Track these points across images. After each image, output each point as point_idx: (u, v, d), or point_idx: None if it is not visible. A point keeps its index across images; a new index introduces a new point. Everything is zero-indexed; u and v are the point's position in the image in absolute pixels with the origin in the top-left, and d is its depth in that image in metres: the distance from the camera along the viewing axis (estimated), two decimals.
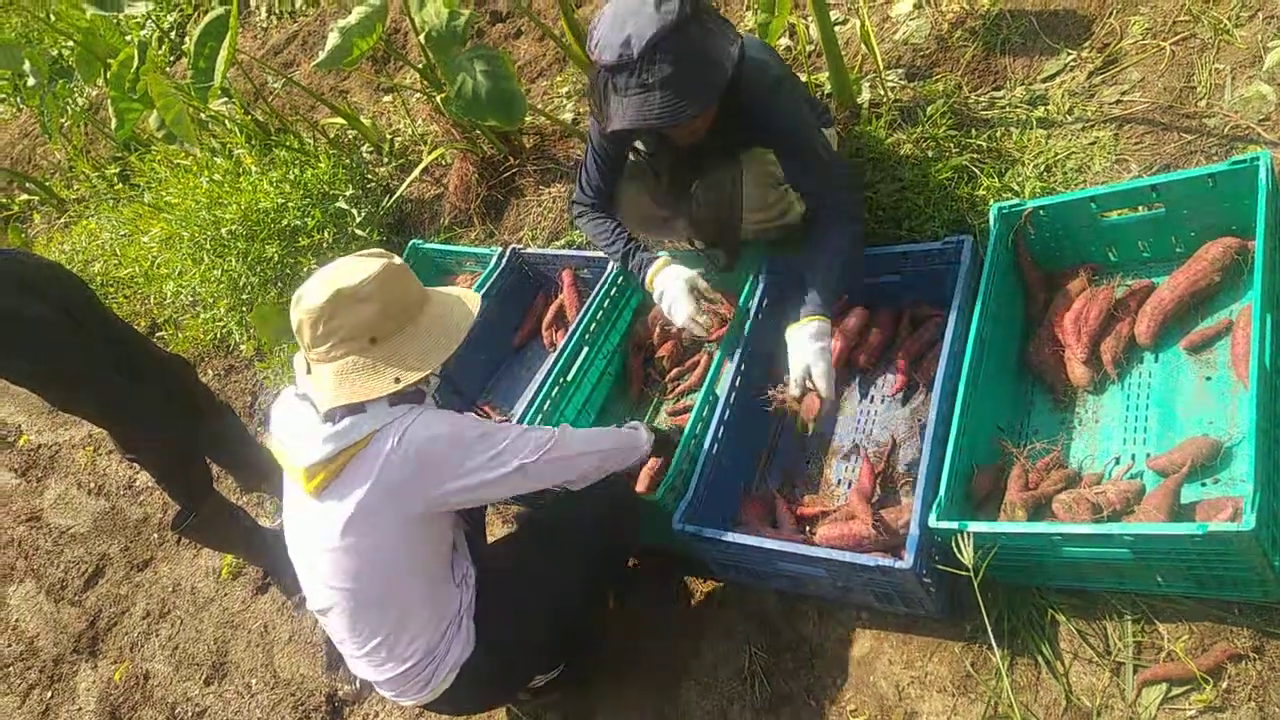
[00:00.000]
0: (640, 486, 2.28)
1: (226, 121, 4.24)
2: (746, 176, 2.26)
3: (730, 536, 1.96)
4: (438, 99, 3.24)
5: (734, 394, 2.25)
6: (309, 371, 1.81)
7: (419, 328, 1.80)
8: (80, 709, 3.28)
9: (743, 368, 2.30)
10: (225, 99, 4.07)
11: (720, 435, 2.20)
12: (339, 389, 1.72)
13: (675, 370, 2.69)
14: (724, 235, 2.37)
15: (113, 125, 3.65)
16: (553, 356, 2.59)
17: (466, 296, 1.93)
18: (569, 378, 2.59)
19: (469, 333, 1.86)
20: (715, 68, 1.91)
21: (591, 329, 2.68)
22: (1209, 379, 1.89)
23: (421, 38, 2.96)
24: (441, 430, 1.76)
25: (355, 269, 1.75)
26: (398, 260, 1.81)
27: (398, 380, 1.73)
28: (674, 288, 2.33)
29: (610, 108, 1.95)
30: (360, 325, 1.72)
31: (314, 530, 1.78)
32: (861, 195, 2.26)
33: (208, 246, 3.78)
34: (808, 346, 2.06)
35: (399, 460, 1.71)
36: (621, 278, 2.75)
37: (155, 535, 3.71)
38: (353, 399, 1.71)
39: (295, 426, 1.80)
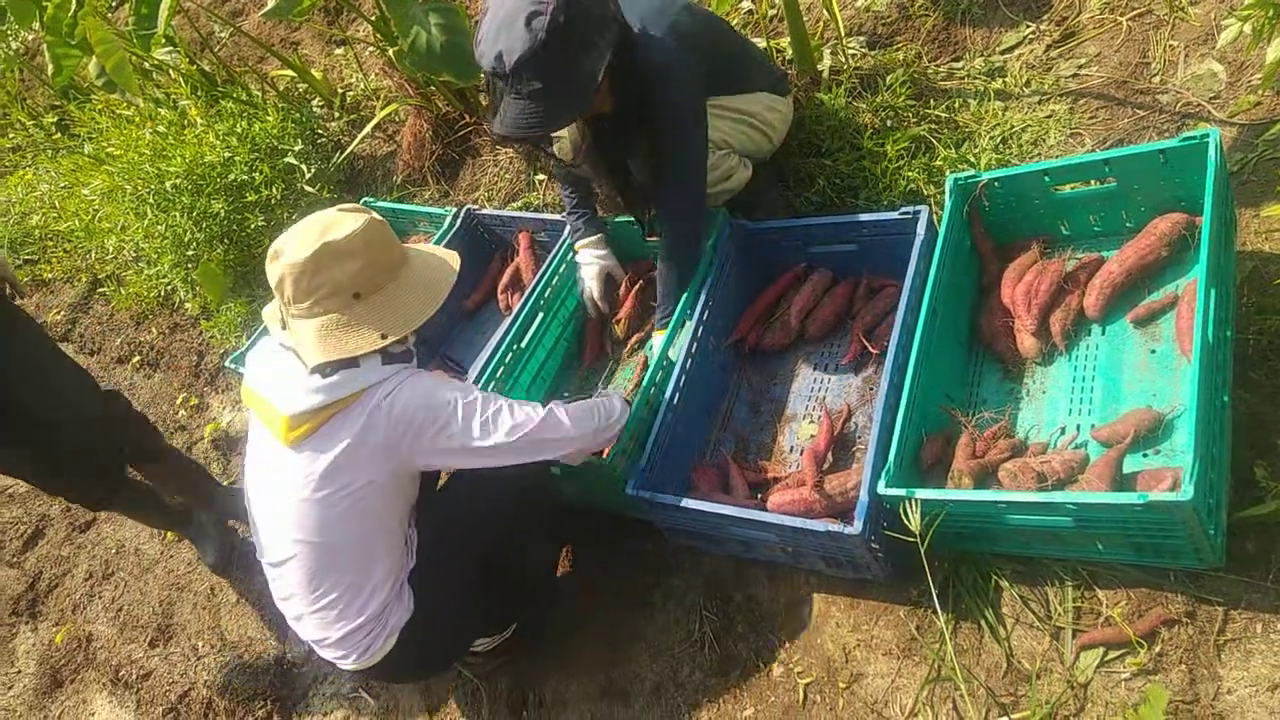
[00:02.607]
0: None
1: (171, 71, 4.09)
2: None
3: (683, 502, 1.97)
4: (390, 53, 3.16)
5: (689, 360, 2.25)
6: (284, 326, 1.78)
7: (402, 285, 1.79)
8: (20, 671, 3.22)
9: (699, 333, 2.29)
10: (169, 47, 3.91)
11: (675, 401, 2.20)
12: (323, 346, 1.70)
13: (635, 338, 2.67)
14: (646, 204, 2.43)
15: (50, 72, 3.50)
16: (508, 321, 2.56)
17: (447, 255, 1.92)
18: (524, 343, 2.57)
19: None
20: (582, 81, 1.95)
21: (548, 294, 2.66)
22: (1154, 352, 1.93)
23: None
24: (431, 393, 1.76)
25: (339, 223, 1.72)
26: (378, 216, 1.79)
27: (384, 337, 1.72)
28: (591, 269, 2.60)
29: (495, 107, 2.01)
30: (345, 281, 1.70)
31: (286, 480, 1.77)
32: (702, 223, 2.36)
33: (151, 200, 3.66)
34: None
35: (385, 418, 1.72)
36: None
37: None
38: (339, 355, 1.70)
39: (278, 375, 1.78)
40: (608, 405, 2.05)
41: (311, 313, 1.71)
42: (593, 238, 2.59)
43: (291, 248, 1.69)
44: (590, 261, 2.61)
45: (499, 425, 1.80)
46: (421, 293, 1.80)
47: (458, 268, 1.90)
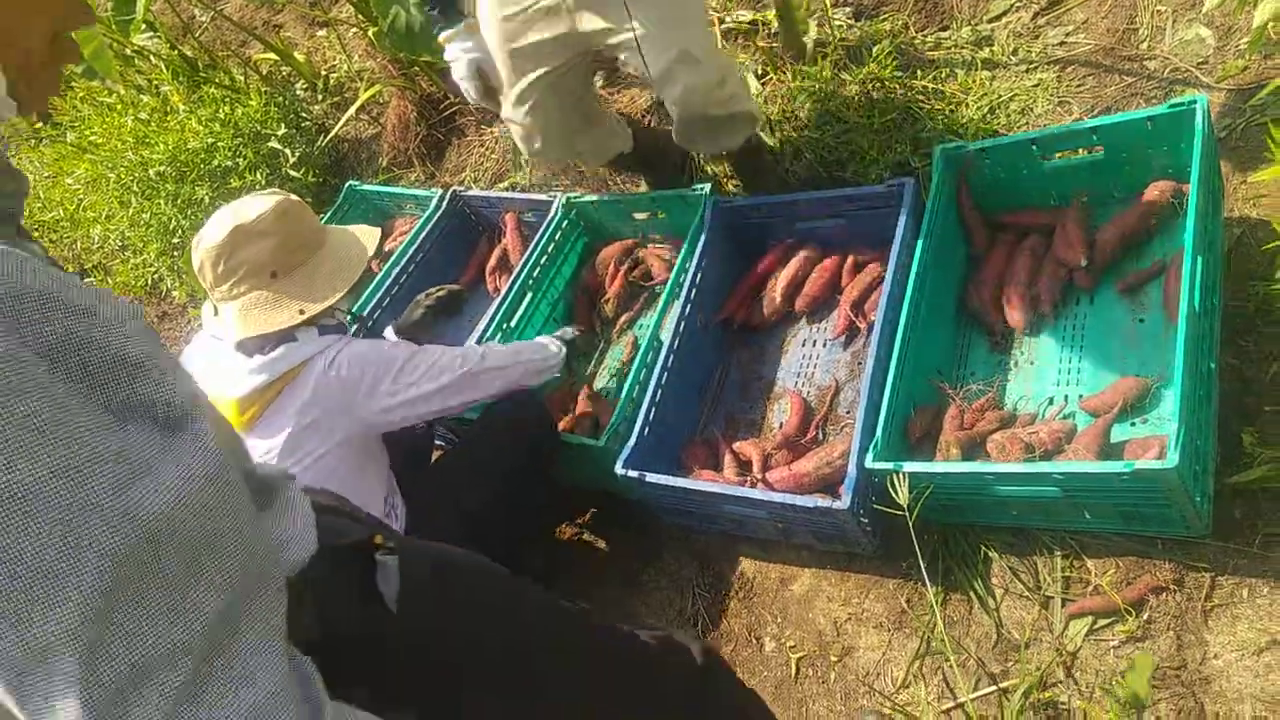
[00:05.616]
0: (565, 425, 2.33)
1: (151, 57, 4.04)
2: None
3: (673, 481, 1.97)
4: (371, 33, 3.12)
5: (678, 339, 2.24)
6: (216, 313, 1.84)
7: (318, 261, 1.86)
8: None
9: (688, 311, 2.28)
10: (149, 33, 3.88)
11: (664, 380, 2.19)
12: (244, 323, 1.76)
13: (624, 317, 2.66)
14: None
15: None
16: (496, 302, 2.55)
17: (363, 232, 1.99)
18: (512, 323, 2.56)
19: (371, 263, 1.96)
20: None
21: (535, 274, 2.64)
22: (1141, 321, 1.92)
23: None
24: (372, 350, 1.85)
25: (251, 205, 1.80)
26: (294, 197, 1.86)
27: (301, 312, 1.78)
28: (459, 67, 2.26)
29: None
30: (260, 260, 1.77)
31: None
32: None
33: (135, 188, 3.63)
34: None
35: (335, 379, 1.78)
36: (566, 221, 2.71)
37: None
38: (258, 331, 1.75)
39: (215, 366, 1.82)
40: (541, 349, 2.15)
41: (233, 294, 1.78)
42: (455, 29, 2.25)
43: (209, 233, 1.77)
44: (457, 57, 2.27)
45: (447, 365, 1.92)
46: (337, 269, 1.87)
47: (375, 243, 1.97)
